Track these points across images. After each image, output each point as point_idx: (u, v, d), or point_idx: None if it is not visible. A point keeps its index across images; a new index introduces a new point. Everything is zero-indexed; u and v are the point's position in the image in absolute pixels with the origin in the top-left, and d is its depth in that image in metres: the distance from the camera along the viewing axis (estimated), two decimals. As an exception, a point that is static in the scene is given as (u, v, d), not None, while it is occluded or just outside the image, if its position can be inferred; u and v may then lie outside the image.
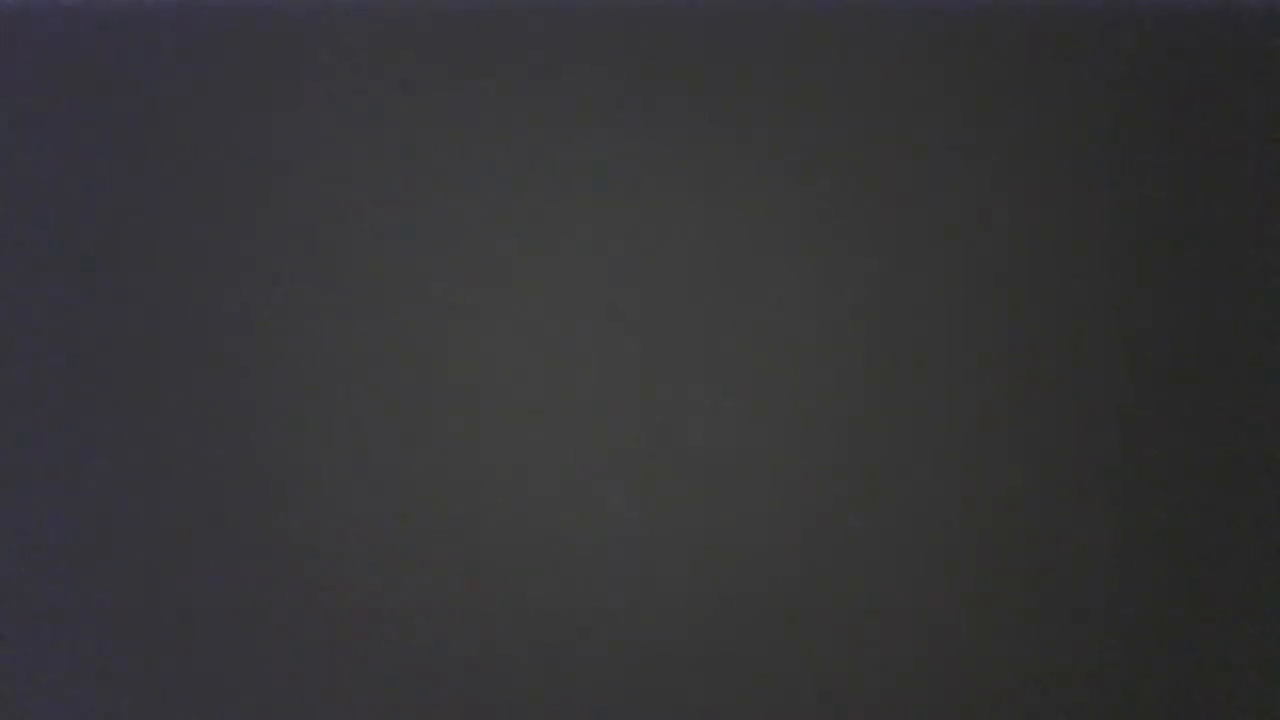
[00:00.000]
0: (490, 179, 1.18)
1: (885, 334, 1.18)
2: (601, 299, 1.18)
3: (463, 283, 1.18)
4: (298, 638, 1.17)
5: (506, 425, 1.17)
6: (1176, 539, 1.18)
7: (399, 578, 1.17)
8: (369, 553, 1.17)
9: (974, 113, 1.18)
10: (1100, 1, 1.19)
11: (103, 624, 1.18)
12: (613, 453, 1.17)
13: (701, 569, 1.17)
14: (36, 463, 1.17)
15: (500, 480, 1.17)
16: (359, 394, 1.17)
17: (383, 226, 1.18)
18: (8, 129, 1.18)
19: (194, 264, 1.18)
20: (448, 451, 1.17)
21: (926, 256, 1.18)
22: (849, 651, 1.17)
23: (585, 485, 1.17)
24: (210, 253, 1.18)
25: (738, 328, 1.18)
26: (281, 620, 1.17)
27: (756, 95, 1.18)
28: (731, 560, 1.17)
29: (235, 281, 1.18)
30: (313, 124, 1.18)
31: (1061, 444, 1.18)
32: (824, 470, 1.17)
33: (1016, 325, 1.18)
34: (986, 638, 1.17)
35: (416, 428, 1.17)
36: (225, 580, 1.17)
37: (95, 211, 1.18)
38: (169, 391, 1.17)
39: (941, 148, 1.18)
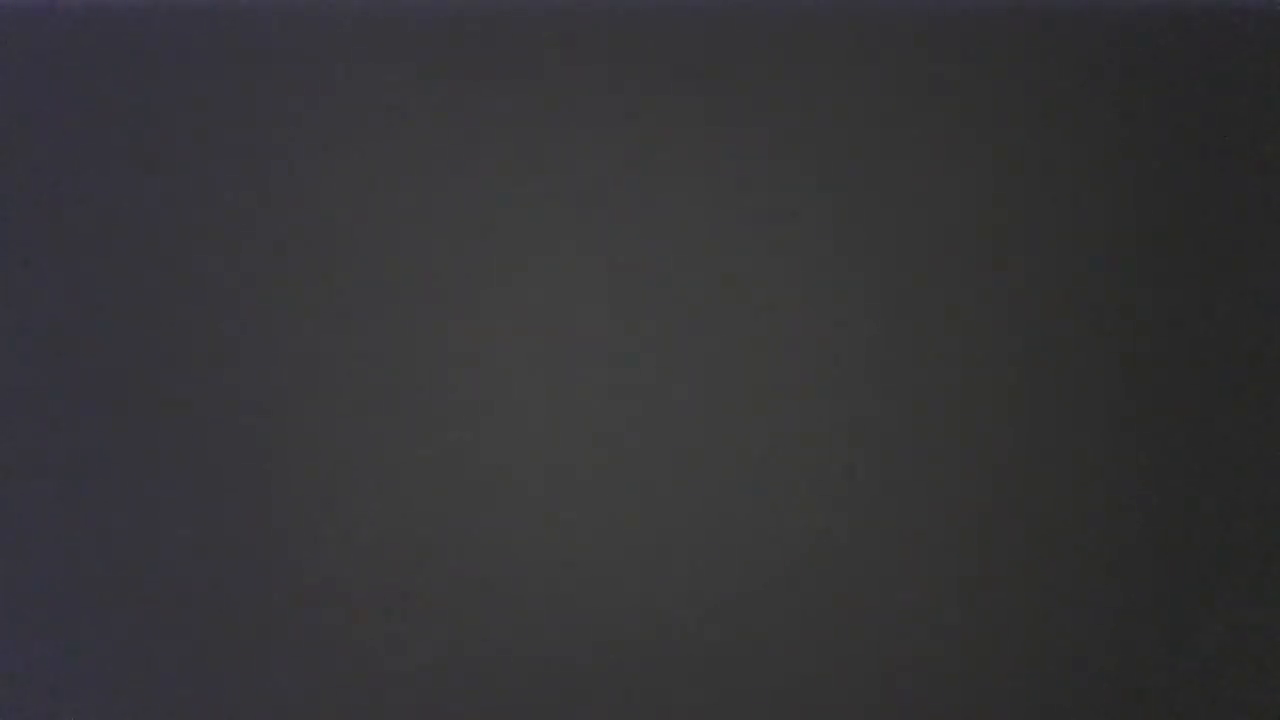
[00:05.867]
0: (490, 179, 1.18)
1: (886, 333, 1.18)
2: (602, 298, 1.18)
3: (463, 282, 1.18)
4: (298, 636, 1.17)
5: (507, 424, 1.17)
6: (1177, 538, 1.18)
7: (399, 576, 1.17)
8: (369, 552, 1.17)
9: (974, 113, 1.18)
10: (1100, 1, 1.19)
11: (103, 623, 1.18)
12: (612, 451, 1.17)
13: (701, 568, 1.17)
14: (37, 463, 1.17)
15: (500, 479, 1.17)
16: (359, 393, 1.17)
17: (383, 225, 1.18)
18: (8, 129, 1.18)
19: (194, 264, 1.18)
20: (447, 450, 1.17)
21: (926, 257, 1.18)
22: (848, 651, 1.17)
23: (585, 484, 1.17)
24: (210, 252, 1.18)
25: (738, 327, 1.18)
26: (281, 618, 1.17)
27: (757, 95, 1.18)
28: (731, 560, 1.17)
29: (235, 281, 1.18)
30: (313, 123, 1.18)
31: (1062, 444, 1.18)
32: (824, 469, 1.17)
33: (1017, 325, 1.18)
34: (986, 638, 1.17)
35: (416, 426, 1.17)
36: (224, 579, 1.17)
37: (95, 211, 1.18)
38: (169, 390, 1.17)
39: (942, 148, 1.18)
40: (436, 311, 1.18)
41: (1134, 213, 1.18)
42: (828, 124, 1.18)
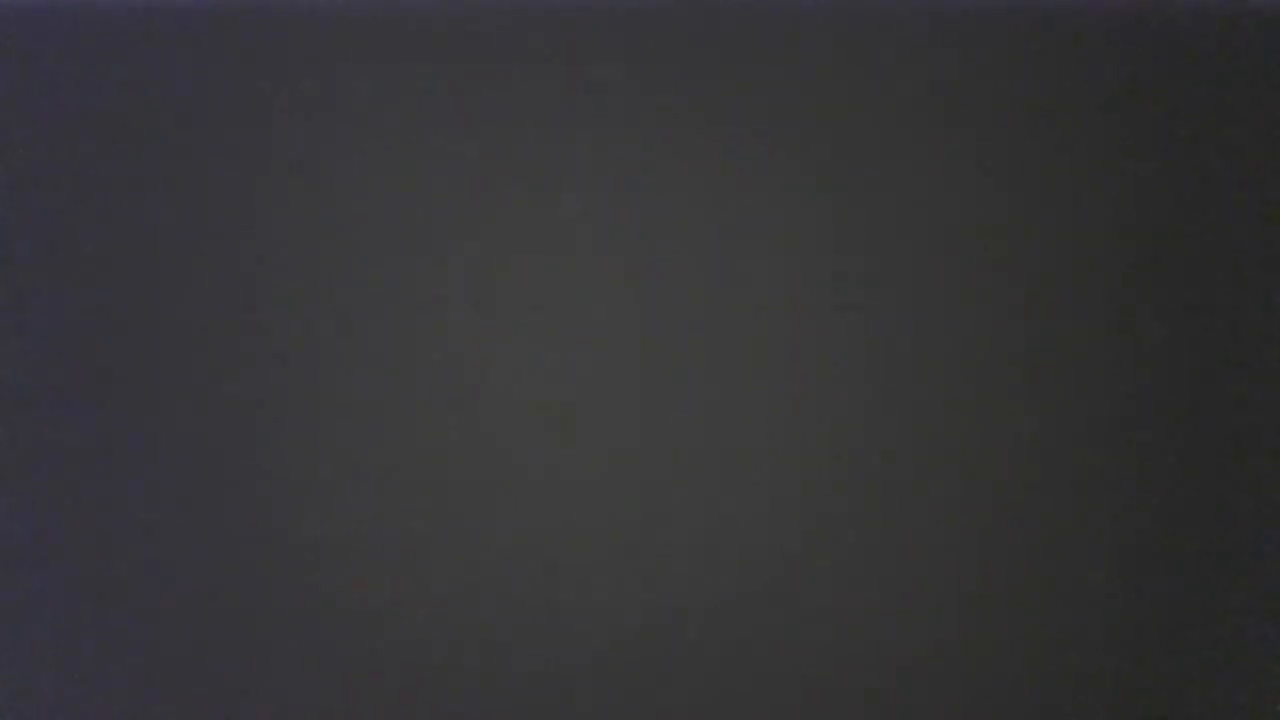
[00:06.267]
0: (491, 178, 1.18)
1: (886, 333, 1.18)
2: (601, 298, 1.18)
3: (463, 281, 1.18)
4: (297, 636, 1.17)
5: (507, 424, 1.17)
6: (1177, 539, 1.18)
7: (399, 578, 1.17)
8: (369, 554, 1.17)
9: (974, 113, 1.18)
10: (1101, 1, 1.19)
11: (101, 625, 1.18)
12: (613, 452, 1.17)
13: (701, 569, 1.17)
14: (36, 463, 1.17)
15: (500, 479, 1.17)
16: (359, 394, 1.17)
17: (382, 225, 1.18)
18: (8, 129, 1.18)
19: (194, 264, 1.18)
20: (447, 449, 1.17)
21: (927, 256, 1.18)
22: (849, 652, 1.17)
23: (585, 484, 1.17)
24: (210, 253, 1.18)
25: (738, 327, 1.18)
26: (281, 618, 1.17)
27: (757, 95, 1.18)
28: (732, 561, 1.17)
29: (235, 282, 1.18)
30: (312, 124, 1.18)
31: (1062, 444, 1.18)
32: (825, 469, 1.17)
33: (1016, 325, 1.18)
34: (986, 638, 1.17)
35: (417, 426, 1.17)
36: (224, 581, 1.17)
37: (95, 211, 1.18)
38: (169, 390, 1.17)
39: (942, 148, 1.18)
40: (436, 311, 1.18)
41: (1134, 213, 1.18)
42: (828, 124, 1.18)
